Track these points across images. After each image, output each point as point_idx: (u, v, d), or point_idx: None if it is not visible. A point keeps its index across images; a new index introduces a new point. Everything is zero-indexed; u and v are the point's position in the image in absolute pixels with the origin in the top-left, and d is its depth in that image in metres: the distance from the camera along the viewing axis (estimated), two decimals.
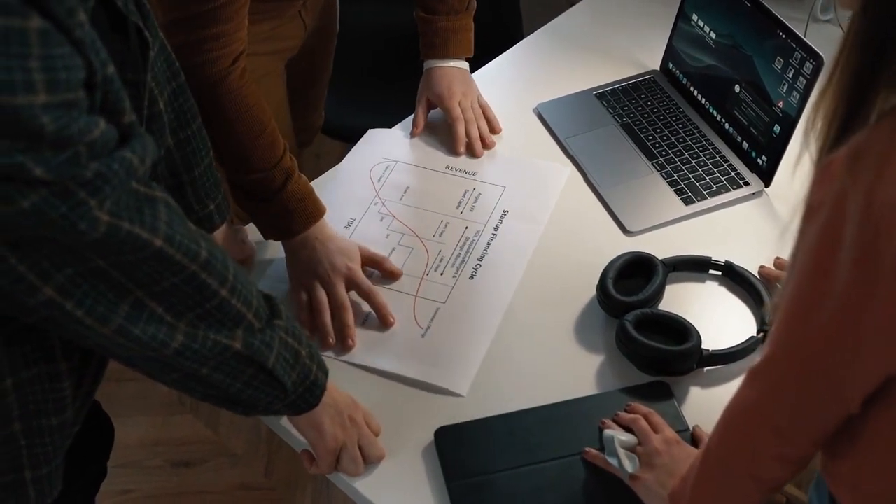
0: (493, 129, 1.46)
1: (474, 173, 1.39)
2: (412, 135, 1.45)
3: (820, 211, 0.67)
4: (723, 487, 0.84)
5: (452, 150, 1.42)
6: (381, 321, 1.17)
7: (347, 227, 1.31)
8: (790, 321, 0.72)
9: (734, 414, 0.81)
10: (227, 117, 1.14)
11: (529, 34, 1.68)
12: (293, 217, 1.18)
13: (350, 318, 1.15)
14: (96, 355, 0.92)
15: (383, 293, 1.19)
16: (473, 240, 1.29)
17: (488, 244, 1.28)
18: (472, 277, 1.23)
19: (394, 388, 1.11)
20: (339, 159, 1.44)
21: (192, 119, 1.07)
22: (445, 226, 1.31)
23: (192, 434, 1.99)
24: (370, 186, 1.37)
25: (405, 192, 1.36)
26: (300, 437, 1.01)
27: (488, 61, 1.59)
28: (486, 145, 1.42)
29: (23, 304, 0.74)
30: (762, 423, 0.77)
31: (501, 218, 1.32)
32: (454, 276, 1.23)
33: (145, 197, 0.76)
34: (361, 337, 1.15)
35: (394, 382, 1.12)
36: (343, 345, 1.14)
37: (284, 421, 1.04)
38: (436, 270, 1.24)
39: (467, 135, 1.42)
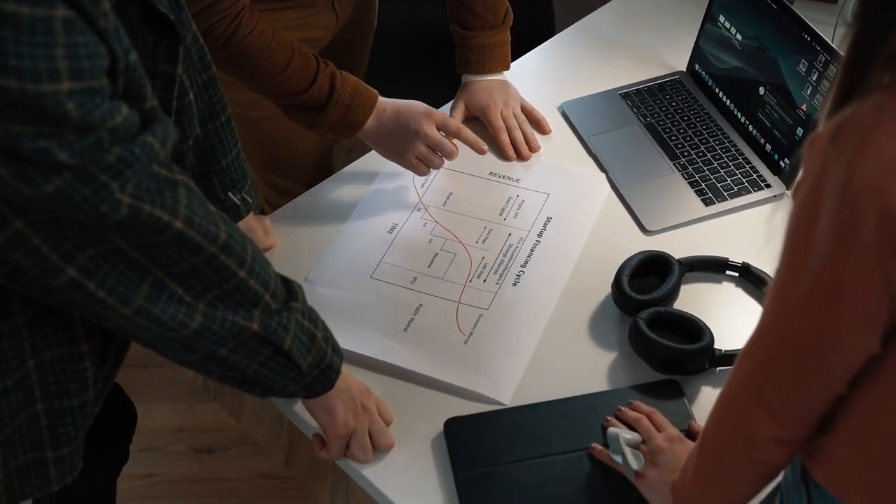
0: (542, 131, 1.46)
1: (518, 180, 1.38)
2: None
3: (802, 186, 0.67)
4: (721, 474, 0.83)
5: (502, 157, 1.42)
6: (477, 151, 1.34)
7: (390, 231, 1.30)
8: (774, 296, 0.72)
9: (726, 397, 0.80)
10: (253, 63, 1.21)
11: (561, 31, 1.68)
12: (356, 109, 1.26)
13: (448, 145, 1.29)
14: (118, 337, 0.93)
15: (426, 300, 1.20)
16: (517, 247, 1.27)
17: (532, 251, 1.27)
18: (515, 284, 1.22)
19: (406, 379, 1.12)
20: (370, 151, 1.44)
21: (221, 110, 1.09)
22: (489, 232, 1.30)
23: (216, 421, 2.01)
24: (413, 192, 1.36)
25: (448, 198, 1.35)
26: (314, 424, 1.03)
27: (517, 58, 1.59)
28: (531, 148, 1.43)
29: (45, 285, 0.77)
30: (754, 403, 0.76)
31: (545, 225, 1.30)
32: (497, 283, 1.22)
33: (166, 180, 0.78)
34: (404, 341, 1.15)
35: (406, 374, 1.13)
36: (451, 153, 1.31)
37: (299, 408, 1.06)
38: (479, 277, 1.23)
39: (512, 142, 1.42)
